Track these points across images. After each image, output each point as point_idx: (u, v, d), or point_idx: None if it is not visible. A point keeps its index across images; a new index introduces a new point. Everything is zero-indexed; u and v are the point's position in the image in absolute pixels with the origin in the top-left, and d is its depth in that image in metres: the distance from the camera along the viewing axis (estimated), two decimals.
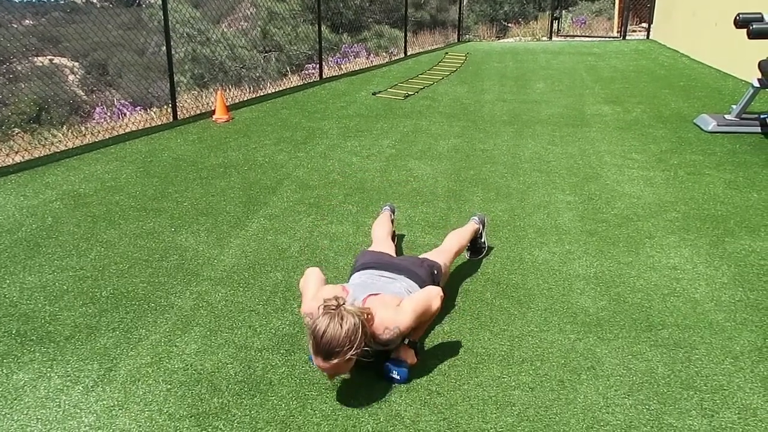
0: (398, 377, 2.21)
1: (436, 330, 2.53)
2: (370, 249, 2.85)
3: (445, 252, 2.80)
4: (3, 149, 5.04)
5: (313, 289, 2.33)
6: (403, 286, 2.40)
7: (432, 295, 2.24)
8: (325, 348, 1.98)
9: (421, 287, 2.42)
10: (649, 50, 10.27)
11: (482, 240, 3.17)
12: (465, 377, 2.25)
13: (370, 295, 2.28)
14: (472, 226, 3.09)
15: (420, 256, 2.73)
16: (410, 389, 2.19)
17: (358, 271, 2.53)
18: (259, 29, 13.24)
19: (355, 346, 2.00)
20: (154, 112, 7.04)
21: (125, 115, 7.65)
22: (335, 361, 2.00)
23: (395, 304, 2.23)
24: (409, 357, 2.26)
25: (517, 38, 14.56)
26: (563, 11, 15.40)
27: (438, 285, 2.53)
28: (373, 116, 6.35)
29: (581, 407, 2.08)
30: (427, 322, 2.29)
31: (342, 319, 2.00)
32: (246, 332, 2.56)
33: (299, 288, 2.42)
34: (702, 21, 8.83)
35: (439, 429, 2.00)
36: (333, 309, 2.03)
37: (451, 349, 2.42)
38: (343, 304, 2.07)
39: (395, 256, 2.82)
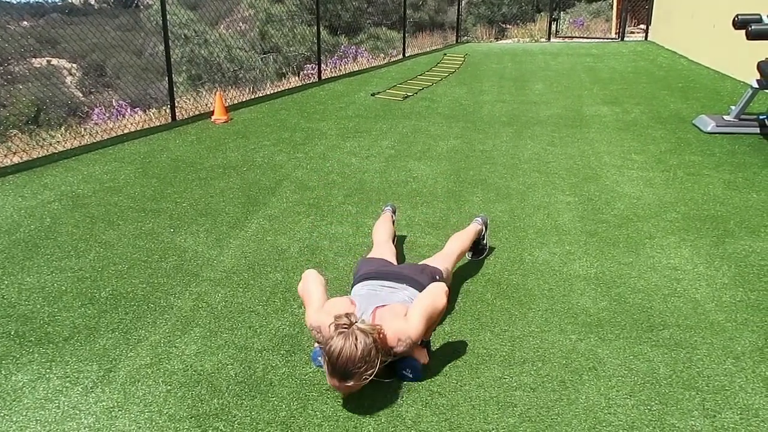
0: (411, 375, 2.22)
1: (437, 331, 2.52)
2: (370, 256, 2.85)
3: (447, 256, 2.80)
4: (1, 150, 5.03)
5: (316, 295, 2.31)
6: (406, 295, 2.40)
7: (436, 294, 2.23)
8: (341, 369, 1.97)
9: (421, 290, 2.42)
10: (648, 51, 10.29)
11: (484, 241, 3.17)
12: (466, 378, 2.24)
13: (378, 307, 2.27)
14: (474, 227, 3.08)
15: (421, 263, 2.73)
16: (411, 390, 2.19)
17: (360, 282, 2.53)
18: (257, 30, 13.23)
19: (371, 365, 1.99)
20: (153, 113, 7.03)
21: (124, 116, 7.64)
22: (352, 382, 1.99)
23: (404, 313, 2.22)
24: (421, 356, 2.26)
25: (516, 39, 14.58)
26: (561, 13, 15.43)
27: None
28: (372, 117, 6.35)
29: (583, 408, 2.07)
30: (437, 321, 2.28)
31: (356, 339, 1.97)
32: (246, 333, 2.55)
33: (299, 293, 2.40)
34: (700, 22, 8.85)
35: (441, 430, 1.99)
36: (346, 328, 2.01)
37: (452, 349, 2.41)
38: (356, 322, 2.04)
39: (395, 262, 2.81)
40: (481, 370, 2.28)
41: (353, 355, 1.95)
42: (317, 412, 2.08)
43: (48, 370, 2.33)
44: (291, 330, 2.57)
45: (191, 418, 2.07)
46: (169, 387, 2.22)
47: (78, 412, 2.10)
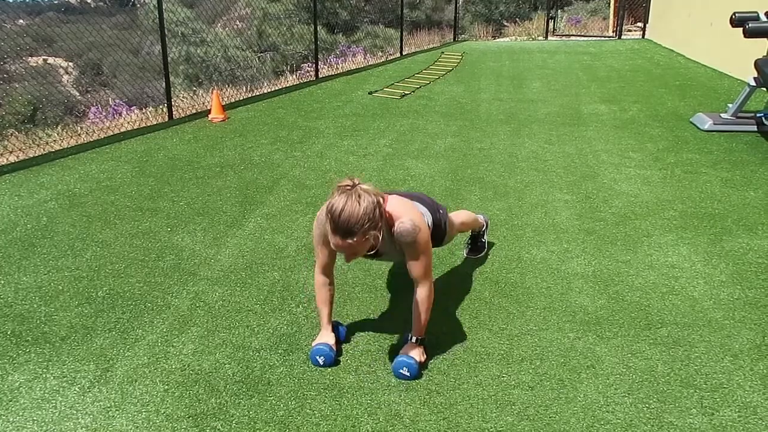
0: (408, 373, 2.21)
1: (435, 329, 2.52)
2: None
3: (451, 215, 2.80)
4: None
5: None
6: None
7: (431, 278, 2.26)
8: (343, 226, 1.95)
9: (430, 212, 2.43)
10: (645, 49, 10.29)
11: (483, 239, 3.17)
12: (464, 376, 2.24)
13: (389, 194, 2.28)
14: (477, 217, 3.09)
15: None
16: (409, 389, 2.18)
17: None
18: (254, 28, 13.21)
19: (373, 224, 1.98)
20: (150, 112, 7.01)
21: (120, 114, 7.62)
22: (354, 239, 1.97)
23: (416, 210, 2.24)
24: (418, 355, 2.25)
25: (513, 38, 14.58)
26: (559, 11, 15.44)
27: (443, 228, 2.54)
28: (370, 115, 6.34)
29: (581, 406, 2.07)
30: (427, 265, 2.24)
31: (359, 197, 1.96)
32: (244, 332, 2.55)
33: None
34: (697, 20, 8.85)
35: (439, 428, 1.99)
36: (350, 188, 1.99)
37: (450, 348, 2.41)
38: (359, 183, 2.03)
39: None
40: (479, 368, 2.28)
41: (356, 210, 1.94)
42: (315, 411, 2.08)
43: (45, 370, 2.32)
44: (289, 329, 2.56)
45: (189, 417, 2.06)
46: (166, 386, 2.21)
47: (75, 412, 2.10)
